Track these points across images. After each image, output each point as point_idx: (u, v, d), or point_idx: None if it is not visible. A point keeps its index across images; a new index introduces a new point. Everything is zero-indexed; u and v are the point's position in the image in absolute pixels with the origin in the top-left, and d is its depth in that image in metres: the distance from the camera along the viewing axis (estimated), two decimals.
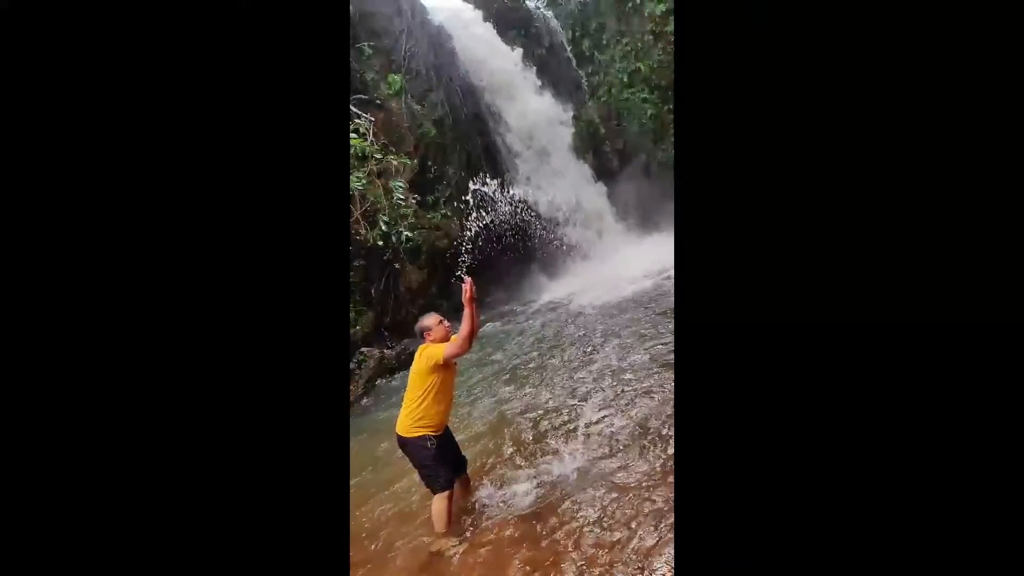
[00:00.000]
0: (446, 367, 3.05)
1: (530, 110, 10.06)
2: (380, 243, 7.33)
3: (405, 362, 7.04)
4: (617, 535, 2.65)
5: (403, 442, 3.11)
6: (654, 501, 2.81)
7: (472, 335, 2.94)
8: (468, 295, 2.91)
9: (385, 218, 7.37)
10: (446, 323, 3.23)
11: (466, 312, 2.91)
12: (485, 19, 10.37)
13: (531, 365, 5.54)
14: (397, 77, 8.88)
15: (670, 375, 4.19)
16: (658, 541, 2.51)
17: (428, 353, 3.03)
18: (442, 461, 3.08)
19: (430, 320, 3.21)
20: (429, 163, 8.98)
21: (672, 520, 2.58)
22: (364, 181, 7.20)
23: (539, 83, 10.35)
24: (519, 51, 10.39)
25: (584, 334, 6.05)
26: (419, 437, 3.03)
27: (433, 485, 3.07)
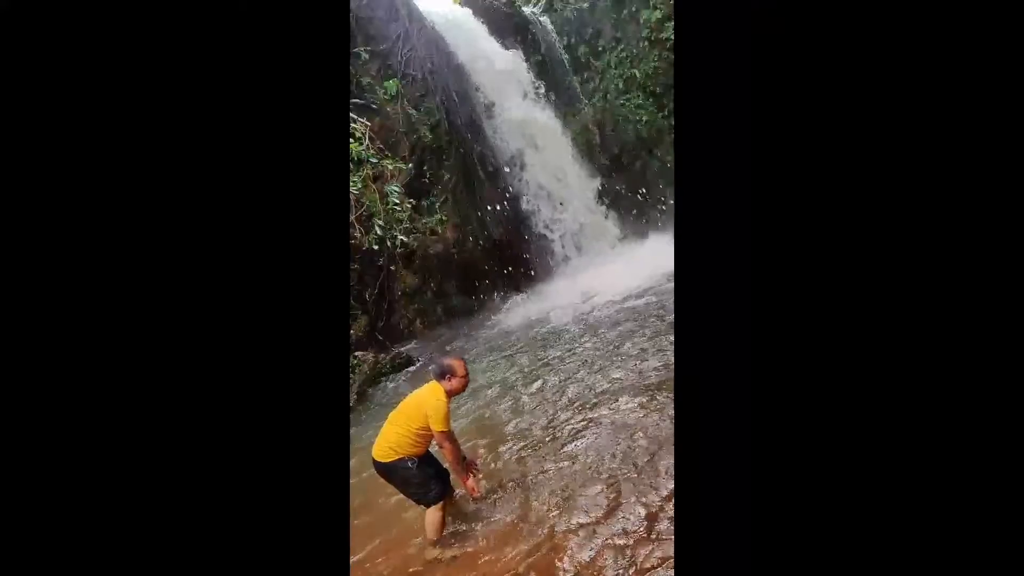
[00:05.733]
0: None
1: (526, 116, 10.08)
2: (375, 247, 7.32)
3: (399, 366, 7.03)
4: (614, 540, 2.64)
5: (380, 467, 3.00)
6: (651, 507, 2.80)
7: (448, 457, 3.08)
8: (468, 478, 3.10)
9: (380, 222, 7.36)
10: (468, 377, 3.12)
11: (456, 470, 3.10)
12: (482, 25, 10.42)
13: (521, 378, 5.50)
14: (393, 82, 8.89)
15: (668, 382, 4.19)
16: (655, 548, 2.50)
17: (432, 410, 2.91)
18: (429, 476, 3.01)
19: (458, 366, 3.03)
20: (424, 168, 8.98)
21: (672, 525, 2.57)
22: (359, 185, 7.19)
23: (535, 89, 10.39)
24: (516, 56, 10.43)
25: (577, 344, 6.03)
26: (398, 460, 2.95)
27: (425, 500, 3.00)
